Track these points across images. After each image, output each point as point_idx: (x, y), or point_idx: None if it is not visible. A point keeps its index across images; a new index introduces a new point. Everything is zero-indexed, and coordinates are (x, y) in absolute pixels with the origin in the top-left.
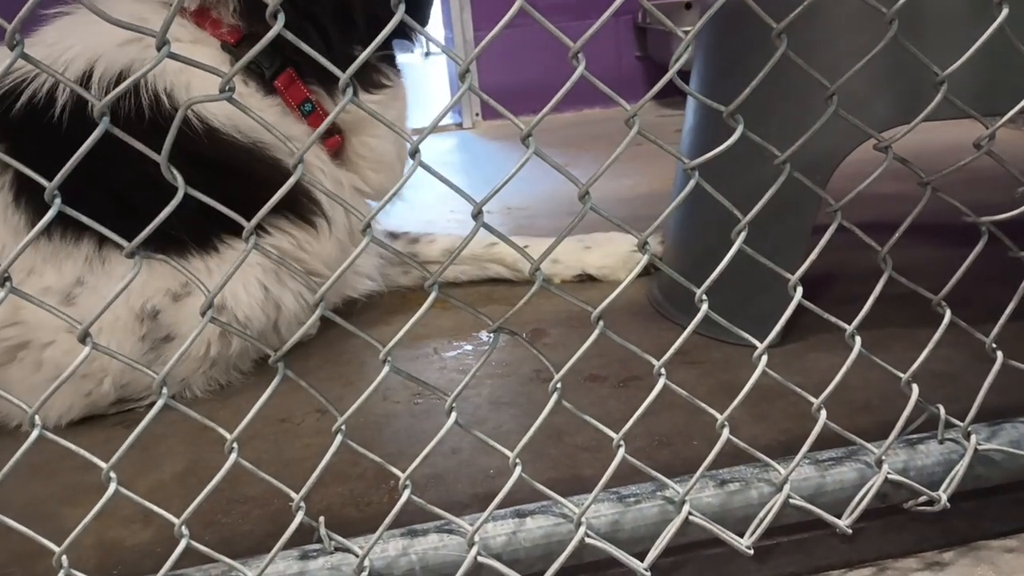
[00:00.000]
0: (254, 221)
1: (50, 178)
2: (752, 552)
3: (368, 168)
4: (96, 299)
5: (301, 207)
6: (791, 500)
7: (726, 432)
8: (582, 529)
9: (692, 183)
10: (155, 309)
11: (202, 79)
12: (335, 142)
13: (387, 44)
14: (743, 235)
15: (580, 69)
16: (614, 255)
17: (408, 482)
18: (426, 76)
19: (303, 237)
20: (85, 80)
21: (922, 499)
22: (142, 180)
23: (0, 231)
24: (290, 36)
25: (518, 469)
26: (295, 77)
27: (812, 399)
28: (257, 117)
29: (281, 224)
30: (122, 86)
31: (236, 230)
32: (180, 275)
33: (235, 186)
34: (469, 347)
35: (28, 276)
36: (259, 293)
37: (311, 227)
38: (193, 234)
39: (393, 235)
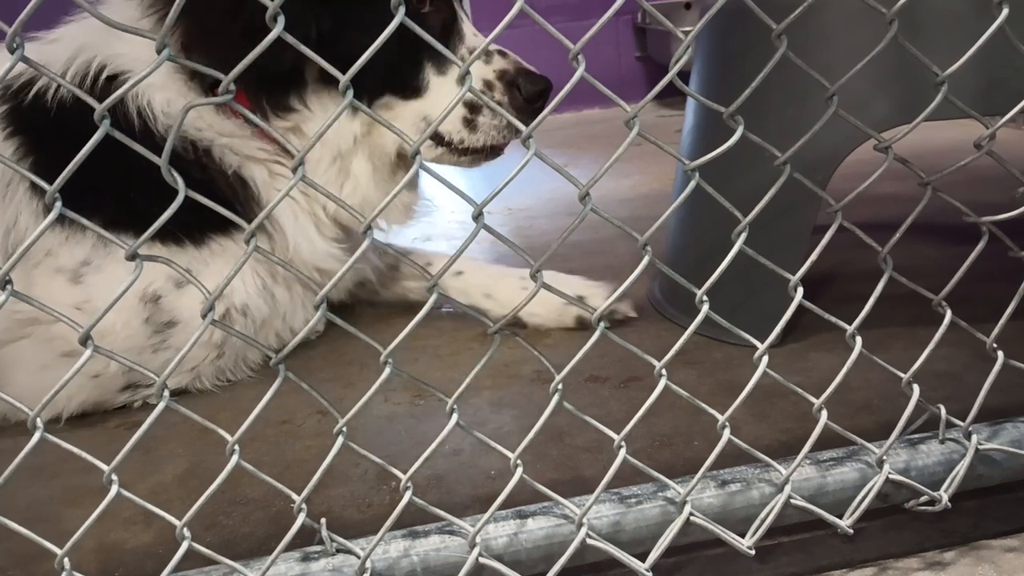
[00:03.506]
0: (255, 223)
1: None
2: (753, 552)
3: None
4: (100, 277)
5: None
6: (792, 500)
7: (727, 432)
8: (583, 530)
9: (692, 184)
10: (156, 293)
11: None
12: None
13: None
14: (744, 236)
15: (580, 71)
16: (549, 303)
17: (409, 484)
18: None
19: (266, 244)
20: (84, 77)
21: (923, 499)
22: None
23: (24, 215)
24: (290, 39)
25: (519, 470)
26: (240, 90)
27: (813, 399)
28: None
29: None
30: (121, 90)
31: (219, 227)
32: (180, 261)
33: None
34: (470, 348)
35: (45, 257)
36: (254, 280)
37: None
38: (185, 230)
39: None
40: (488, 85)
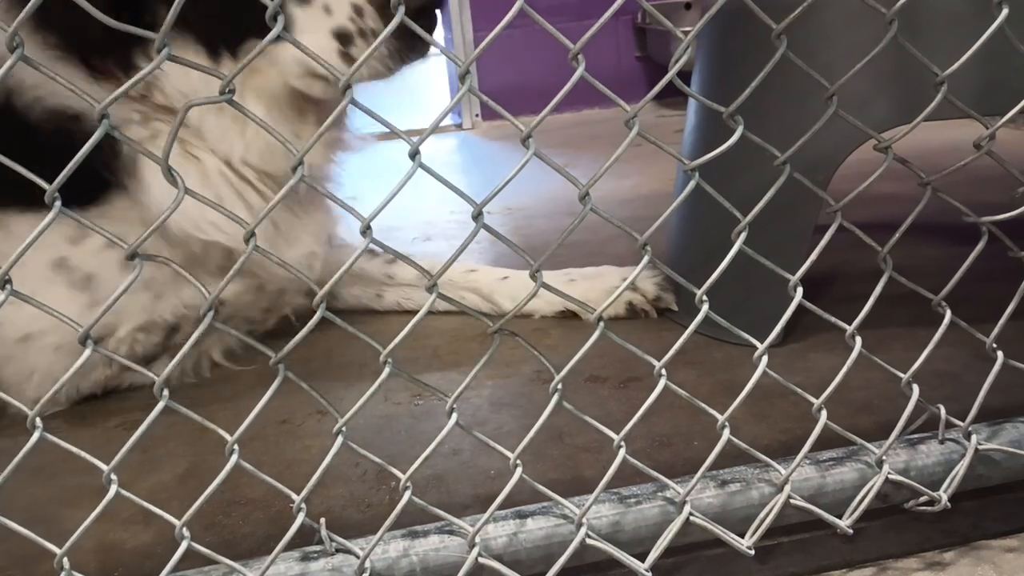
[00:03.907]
0: (255, 223)
1: None
2: (753, 552)
3: None
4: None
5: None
6: (792, 500)
7: (727, 432)
8: (583, 530)
9: (692, 184)
10: (61, 257)
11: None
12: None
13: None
14: (743, 236)
15: (580, 70)
16: (597, 292)
17: (409, 483)
18: (426, 77)
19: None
20: None
21: (923, 499)
22: None
23: None
24: (290, 38)
25: (519, 470)
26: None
27: (813, 399)
28: None
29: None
30: (123, 88)
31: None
32: (68, 219)
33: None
34: (470, 348)
35: None
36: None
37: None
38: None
39: (369, 254)
40: (358, 11)
